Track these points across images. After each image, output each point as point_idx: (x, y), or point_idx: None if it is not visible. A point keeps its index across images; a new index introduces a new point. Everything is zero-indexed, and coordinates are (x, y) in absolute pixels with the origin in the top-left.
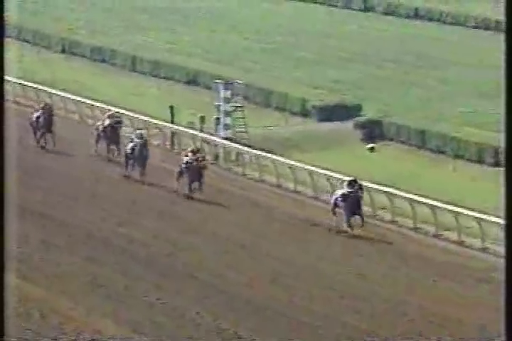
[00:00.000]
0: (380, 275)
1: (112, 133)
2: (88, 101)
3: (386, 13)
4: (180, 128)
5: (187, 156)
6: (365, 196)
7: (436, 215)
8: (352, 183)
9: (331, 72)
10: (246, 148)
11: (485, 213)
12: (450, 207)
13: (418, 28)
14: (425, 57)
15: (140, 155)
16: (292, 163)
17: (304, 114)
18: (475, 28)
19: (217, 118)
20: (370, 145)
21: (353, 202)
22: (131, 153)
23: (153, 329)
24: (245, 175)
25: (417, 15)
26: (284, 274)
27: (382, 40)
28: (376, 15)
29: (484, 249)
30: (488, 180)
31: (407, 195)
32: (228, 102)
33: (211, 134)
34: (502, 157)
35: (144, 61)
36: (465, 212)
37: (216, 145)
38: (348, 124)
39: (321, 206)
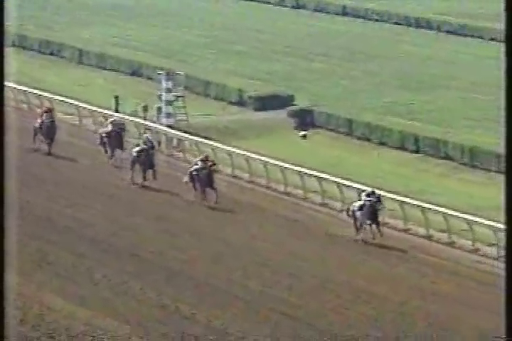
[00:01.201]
0: (310, 254)
1: (115, 138)
2: (36, 92)
3: (316, 10)
4: (125, 117)
5: (197, 164)
6: (297, 179)
7: (343, 194)
8: (370, 195)
9: (266, 64)
10: (187, 135)
11: (407, 196)
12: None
13: (346, 24)
14: (352, 51)
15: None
16: (230, 149)
17: (241, 103)
18: (397, 24)
19: (160, 107)
20: (302, 133)
21: (370, 212)
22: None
23: (99, 304)
24: (186, 160)
25: (344, 12)
26: (223, 253)
27: (312, 36)
28: (307, 13)
29: (406, 230)
30: (410, 166)
31: (336, 179)
32: (170, 92)
33: (154, 122)
34: (422, 144)
35: (90, 54)
36: (387, 194)
37: (158, 133)
38: (282, 113)
39: (256, 188)
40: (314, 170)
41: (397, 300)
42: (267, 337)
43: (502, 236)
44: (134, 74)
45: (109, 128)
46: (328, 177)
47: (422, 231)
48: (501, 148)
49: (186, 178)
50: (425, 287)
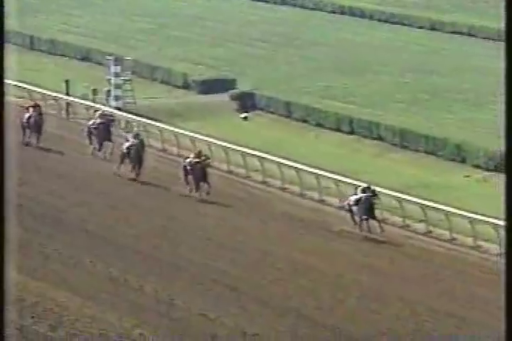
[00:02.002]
0: (252, 229)
1: (104, 131)
2: None
3: (257, 0)
4: (75, 100)
5: (189, 158)
6: (239, 159)
7: (301, 178)
8: (365, 190)
9: (209, 50)
10: (134, 117)
11: (342, 175)
12: (312, 170)
13: (284, 12)
14: (291, 38)
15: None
16: (176, 130)
17: (186, 87)
18: (332, 12)
19: (108, 91)
20: (243, 115)
21: (365, 207)
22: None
23: (50, 276)
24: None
25: (284, 1)
26: (169, 228)
27: (253, 23)
28: (248, 1)
29: (341, 208)
30: (345, 147)
31: (276, 159)
32: (118, 76)
33: (103, 105)
34: (356, 126)
35: (42, 40)
36: (324, 173)
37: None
38: (225, 96)
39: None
40: (256, 150)
41: (333, 273)
42: (211, 307)
43: (430, 213)
44: (84, 59)
45: (98, 120)
46: (268, 157)
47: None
48: (430, 130)
49: (181, 173)
50: (358, 260)
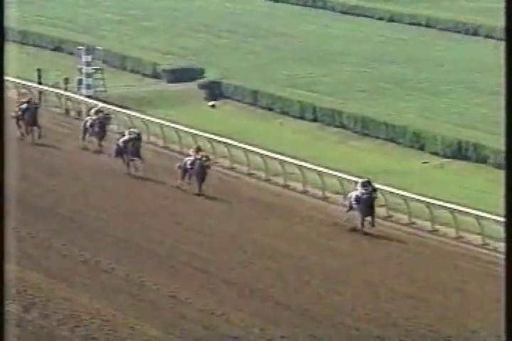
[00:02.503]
0: (219, 213)
1: (99, 128)
2: None
3: None
4: (47, 88)
5: (190, 155)
6: (207, 146)
7: (267, 163)
8: (366, 185)
9: (178, 40)
10: (105, 105)
11: (305, 161)
12: (277, 156)
13: (251, 4)
14: (257, 29)
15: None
16: (145, 117)
17: (156, 76)
18: (296, 4)
19: (80, 79)
20: (211, 103)
21: (366, 204)
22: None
23: (24, 259)
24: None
25: None
26: (140, 212)
27: (221, 14)
28: None
29: (304, 192)
30: (309, 134)
31: (242, 145)
32: (89, 66)
33: (74, 93)
34: (319, 114)
35: (14, 31)
36: (288, 159)
37: (79, 103)
38: (193, 85)
39: (170, 154)
40: (223, 137)
41: (298, 255)
42: (180, 288)
43: (389, 198)
44: (55, 49)
45: (94, 116)
46: (235, 143)
47: (319, 193)
48: (390, 118)
49: (179, 171)
50: (322, 244)
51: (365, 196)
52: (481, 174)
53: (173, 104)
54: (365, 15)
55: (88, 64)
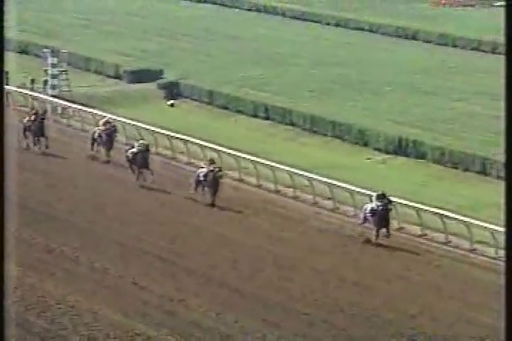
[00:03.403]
0: (179, 205)
1: (107, 138)
2: None
3: None
4: (14, 89)
5: (203, 167)
6: (166, 142)
7: (222, 159)
8: (381, 197)
9: (139, 43)
10: (70, 104)
11: (258, 156)
12: (232, 152)
13: (206, 10)
14: (213, 33)
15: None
16: (107, 115)
17: (117, 76)
18: (249, 10)
19: (46, 80)
20: (170, 102)
21: (381, 216)
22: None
23: None
24: (70, 125)
25: (205, 0)
26: (103, 203)
27: (179, 19)
28: (173, 0)
29: (258, 186)
30: (261, 131)
31: (199, 142)
32: (55, 67)
33: (40, 93)
34: (271, 112)
35: None
36: (242, 155)
37: (45, 102)
38: (153, 85)
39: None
40: (181, 134)
41: (251, 244)
42: (142, 276)
43: (336, 191)
44: (22, 52)
45: (102, 127)
46: (192, 140)
47: (272, 186)
48: (336, 117)
49: (192, 184)
50: (274, 234)
51: (380, 208)
52: (420, 169)
53: (134, 103)
54: (313, 21)
55: (53, 66)
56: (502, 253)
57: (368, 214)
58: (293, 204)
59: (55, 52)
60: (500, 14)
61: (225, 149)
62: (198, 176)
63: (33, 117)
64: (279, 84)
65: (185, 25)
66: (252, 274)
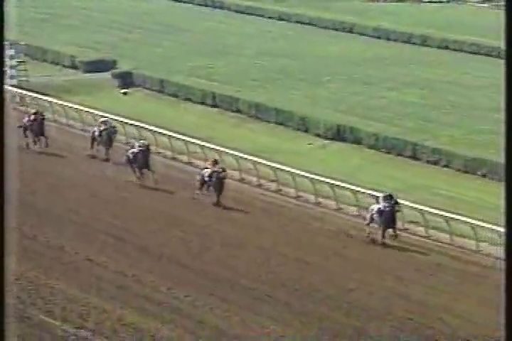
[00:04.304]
0: (132, 187)
1: (106, 137)
2: None
3: None
4: None
5: (207, 168)
6: (120, 128)
7: (172, 143)
8: (388, 198)
9: (94, 35)
10: (28, 92)
11: (206, 141)
12: (181, 137)
13: (158, 4)
14: (164, 25)
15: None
16: (64, 103)
17: (74, 67)
18: (198, 5)
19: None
20: (123, 91)
21: (388, 217)
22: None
23: None
24: (27, 112)
25: None
26: (59, 185)
27: (132, 13)
28: None
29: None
30: (209, 118)
31: (151, 128)
32: (13, 58)
33: None
34: (219, 100)
35: None
36: (191, 140)
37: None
38: (107, 75)
39: (87, 135)
40: (134, 120)
41: (202, 224)
42: (97, 253)
43: (279, 174)
44: None
45: (102, 127)
46: (144, 126)
47: (236, 175)
48: (280, 104)
49: (197, 184)
50: (222, 214)
51: (387, 209)
52: (357, 153)
53: (89, 92)
54: (257, 15)
55: (12, 57)
56: (432, 232)
57: (375, 215)
58: (239, 186)
59: (13, 44)
60: (429, 9)
61: (175, 134)
62: (203, 177)
63: (32, 117)
64: (226, 73)
65: (137, 18)
66: (201, 251)
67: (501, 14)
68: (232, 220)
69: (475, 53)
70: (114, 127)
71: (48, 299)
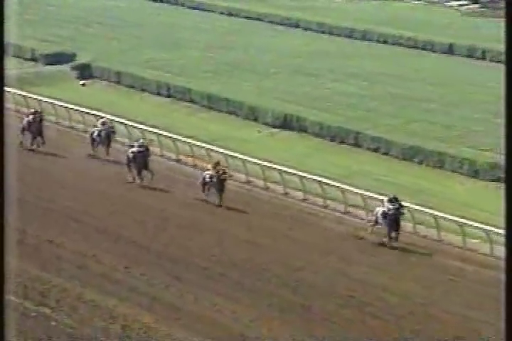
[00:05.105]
0: (91, 172)
1: (106, 137)
2: None
3: None
4: None
5: (209, 170)
6: (79, 117)
7: (129, 132)
8: (392, 201)
9: (54, 30)
10: None
11: (162, 129)
12: (138, 125)
13: (116, 0)
14: (120, 20)
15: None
16: (25, 94)
17: (34, 59)
18: (153, 1)
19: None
20: (82, 82)
21: (392, 219)
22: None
23: None
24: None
25: None
26: (20, 172)
27: (90, 8)
28: None
29: (162, 155)
30: (164, 107)
31: (110, 117)
32: None
33: None
34: (173, 91)
35: None
36: (148, 128)
37: None
38: (66, 67)
39: (49, 125)
40: (92, 109)
41: (158, 207)
42: (57, 235)
43: (233, 161)
44: None
45: (100, 127)
46: (102, 115)
47: (173, 156)
48: (230, 95)
49: (199, 183)
50: (180, 198)
51: (391, 212)
52: (303, 141)
53: (49, 83)
54: (208, 10)
55: None
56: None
57: (380, 217)
58: (192, 172)
59: None
60: (370, 6)
61: (132, 123)
62: (204, 178)
63: (31, 117)
64: (180, 65)
65: (95, 14)
66: (157, 233)
67: (434, 10)
68: (187, 204)
69: (411, 47)
70: (112, 127)
71: (10, 278)
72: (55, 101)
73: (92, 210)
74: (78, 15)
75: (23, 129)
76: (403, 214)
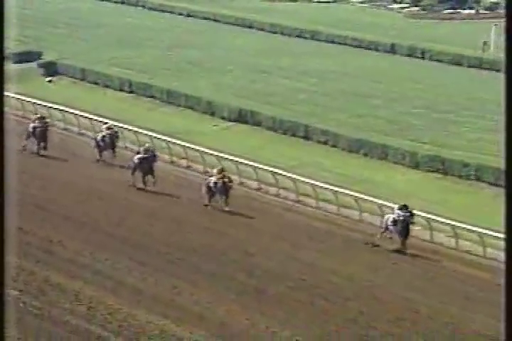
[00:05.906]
0: (58, 164)
1: (110, 141)
2: None
3: None
4: None
5: (213, 176)
6: (45, 112)
7: (93, 125)
8: (402, 208)
9: (22, 30)
10: None
11: (124, 123)
12: (102, 119)
13: (81, 1)
14: (85, 21)
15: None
16: None
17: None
18: (115, 2)
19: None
20: (48, 79)
21: (402, 226)
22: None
23: None
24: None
25: None
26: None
27: (58, 11)
28: None
29: (125, 148)
30: (127, 102)
31: (76, 112)
32: None
33: None
34: (134, 87)
35: None
36: (111, 122)
37: None
38: (34, 65)
39: (20, 120)
40: (58, 104)
41: (120, 197)
42: (24, 222)
43: (191, 152)
44: None
45: (105, 132)
46: (68, 109)
47: (135, 148)
48: (189, 91)
49: (203, 190)
50: (141, 188)
51: (401, 218)
52: (257, 134)
53: (18, 80)
54: (168, 12)
55: None
56: (321, 204)
57: (390, 224)
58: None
59: None
60: (318, 8)
61: (96, 117)
62: (209, 184)
63: (37, 122)
64: (141, 63)
65: (62, 15)
66: (121, 220)
67: (378, 12)
68: (148, 194)
69: (356, 47)
70: (116, 132)
71: None
72: (22, 97)
73: (57, 198)
74: (46, 16)
75: (28, 135)
76: (413, 221)
